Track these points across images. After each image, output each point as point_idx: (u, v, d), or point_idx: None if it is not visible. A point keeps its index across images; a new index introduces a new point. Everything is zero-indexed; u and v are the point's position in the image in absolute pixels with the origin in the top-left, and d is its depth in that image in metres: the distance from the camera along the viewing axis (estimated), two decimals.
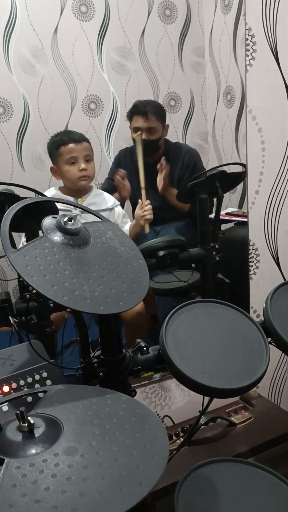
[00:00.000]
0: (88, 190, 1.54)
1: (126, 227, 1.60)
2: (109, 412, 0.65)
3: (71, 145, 1.45)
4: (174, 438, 1.26)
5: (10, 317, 1.18)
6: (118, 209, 1.59)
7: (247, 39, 1.33)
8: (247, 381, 0.84)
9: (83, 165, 1.46)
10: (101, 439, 0.59)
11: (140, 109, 1.62)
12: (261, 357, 0.89)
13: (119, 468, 0.56)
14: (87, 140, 1.49)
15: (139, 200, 1.58)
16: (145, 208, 1.56)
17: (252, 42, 1.34)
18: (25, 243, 0.73)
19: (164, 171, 1.65)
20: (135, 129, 1.63)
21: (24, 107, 1.48)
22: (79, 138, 1.48)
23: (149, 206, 1.57)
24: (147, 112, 1.61)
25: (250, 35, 1.33)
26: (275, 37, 1.36)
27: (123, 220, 1.61)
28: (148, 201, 1.58)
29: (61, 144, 1.45)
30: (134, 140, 1.64)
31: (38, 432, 0.59)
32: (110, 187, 1.65)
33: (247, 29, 1.33)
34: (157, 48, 1.66)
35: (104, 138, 1.64)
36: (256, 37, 1.34)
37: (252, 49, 1.35)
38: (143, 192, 1.59)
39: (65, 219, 0.74)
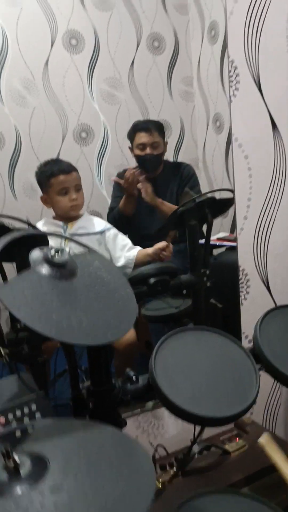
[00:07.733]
0: (79, 216, 1.55)
1: (134, 251, 1.58)
2: (95, 445, 0.64)
3: (61, 177, 1.47)
4: (168, 468, 1.24)
5: (0, 348, 1.17)
6: (110, 232, 1.59)
7: (230, 70, 1.37)
8: (237, 409, 0.83)
9: (74, 196, 1.48)
10: (87, 473, 0.58)
11: (143, 126, 1.65)
12: (251, 384, 0.88)
13: (105, 501, 0.55)
14: (75, 170, 1.52)
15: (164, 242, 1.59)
16: (169, 249, 1.58)
17: (235, 73, 1.38)
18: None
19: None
20: (139, 146, 1.65)
21: (16, 138, 1.50)
22: (68, 169, 1.50)
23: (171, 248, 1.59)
24: (151, 128, 1.65)
25: (233, 67, 1.37)
26: (257, 68, 1.41)
27: (117, 241, 1.59)
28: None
29: (51, 175, 1.47)
30: (137, 156, 1.67)
31: (24, 470, 0.58)
32: (117, 215, 1.66)
33: (230, 61, 1.37)
34: (147, 78, 1.69)
35: (95, 166, 1.66)
36: (239, 69, 1.38)
37: (236, 80, 1.39)
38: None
39: (52, 251, 0.75)
